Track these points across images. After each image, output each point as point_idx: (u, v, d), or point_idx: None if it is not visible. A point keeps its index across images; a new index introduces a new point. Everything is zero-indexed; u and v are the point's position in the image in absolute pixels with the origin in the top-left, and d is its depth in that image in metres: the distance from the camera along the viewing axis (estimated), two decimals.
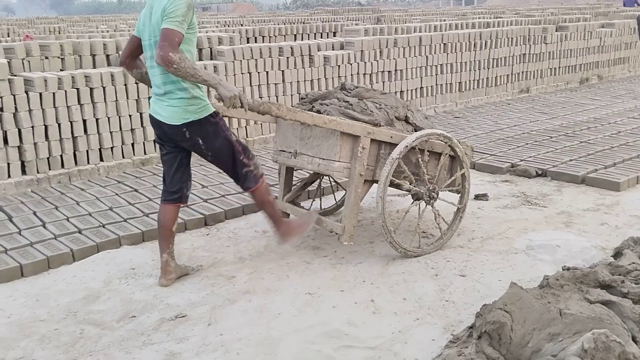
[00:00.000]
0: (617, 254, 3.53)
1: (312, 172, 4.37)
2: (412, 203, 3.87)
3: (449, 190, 4.03)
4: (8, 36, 13.07)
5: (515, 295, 2.79)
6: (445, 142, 3.86)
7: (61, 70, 6.05)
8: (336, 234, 3.81)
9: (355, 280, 3.54)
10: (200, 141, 3.36)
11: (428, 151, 3.83)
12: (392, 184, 3.75)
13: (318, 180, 4.60)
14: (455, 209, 4.03)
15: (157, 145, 3.71)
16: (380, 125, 3.73)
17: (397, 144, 3.70)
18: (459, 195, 4.05)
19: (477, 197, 4.82)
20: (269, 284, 3.53)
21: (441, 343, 2.83)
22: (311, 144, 3.80)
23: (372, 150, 3.72)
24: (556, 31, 10.52)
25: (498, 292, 3.18)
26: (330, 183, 4.80)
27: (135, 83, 5.96)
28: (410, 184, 3.81)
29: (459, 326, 2.97)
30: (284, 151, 4.03)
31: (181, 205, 3.63)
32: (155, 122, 3.42)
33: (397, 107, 3.99)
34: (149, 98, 6.00)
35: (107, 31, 12.28)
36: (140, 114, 6.03)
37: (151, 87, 3.45)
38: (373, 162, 3.74)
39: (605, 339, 2.48)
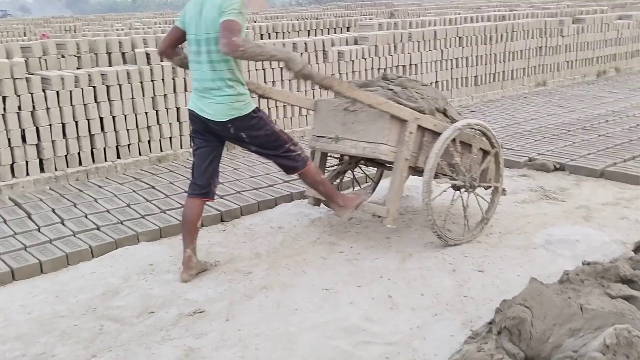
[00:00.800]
0: (638, 249, 3.49)
1: (349, 159, 4.41)
2: (454, 193, 3.94)
3: (482, 186, 4.08)
4: (25, 35, 13.20)
5: (535, 290, 2.77)
6: (484, 133, 3.95)
7: (78, 68, 6.09)
8: (379, 217, 3.85)
9: (372, 275, 3.53)
10: (244, 135, 3.47)
11: (462, 142, 3.89)
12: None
13: (351, 172, 4.64)
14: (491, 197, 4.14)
15: (190, 139, 3.82)
16: (425, 113, 3.80)
17: (440, 133, 3.77)
18: (492, 189, 4.16)
19: None
20: (285, 279, 3.53)
21: (460, 339, 2.81)
22: (355, 129, 3.83)
23: (417, 137, 3.77)
24: (573, 23, 10.40)
25: (517, 288, 3.14)
26: (365, 173, 4.88)
27: (151, 80, 5.98)
28: (452, 173, 3.88)
29: (478, 322, 2.95)
30: (323, 137, 4.04)
31: (207, 202, 3.69)
32: (197, 118, 3.49)
33: (437, 99, 4.03)
34: (165, 95, 6.07)
35: (122, 29, 12.35)
36: (157, 111, 6.06)
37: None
38: (417, 149, 3.79)
39: (627, 334, 2.44)
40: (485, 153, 4.08)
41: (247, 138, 3.48)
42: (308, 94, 7.00)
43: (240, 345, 2.88)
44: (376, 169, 4.75)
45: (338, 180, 4.53)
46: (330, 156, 4.58)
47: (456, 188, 3.97)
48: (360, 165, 4.66)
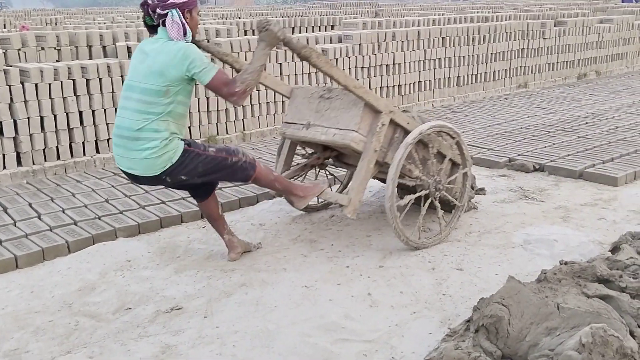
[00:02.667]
0: (615, 249, 3.52)
1: (317, 155, 4.32)
2: (417, 193, 3.85)
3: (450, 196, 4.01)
4: (4, 27, 12.99)
5: (513, 289, 2.78)
6: (453, 137, 3.91)
7: (57, 61, 6.00)
8: (340, 206, 3.75)
9: (352, 273, 3.52)
10: (184, 177, 3.35)
11: (427, 147, 3.83)
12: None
13: (318, 168, 4.54)
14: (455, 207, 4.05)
15: None
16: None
17: (411, 131, 3.74)
18: (460, 194, 4.07)
19: (475, 191, 4.80)
20: (265, 276, 3.51)
21: (438, 337, 2.82)
22: (328, 116, 3.76)
23: (389, 131, 3.72)
24: (554, 26, 10.50)
25: (495, 286, 3.17)
26: (327, 175, 4.77)
27: None
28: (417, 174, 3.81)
29: (456, 320, 2.96)
30: (294, 124, 3.94)
31: (215, 190, 3.72)
32: (128, 175, 3.39)
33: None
34: None
35: (104, 23, 12.21)
36: None
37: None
38: (386, 144, 3.74)
39: (603, 333, 2.47)
40: (455, 165, 4.04)
41: (188, 177, 3.35)
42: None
43: (218, 342, 2.86)
44: (346, 170, 4.62)
45: (300, 172, 4.37)
46: (298, 153, 4.44)
47: (421, 188, 3.84)
48: (328, 167, 4.57)
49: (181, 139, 3.34)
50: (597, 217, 4.31)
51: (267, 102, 6.95)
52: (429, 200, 3.85)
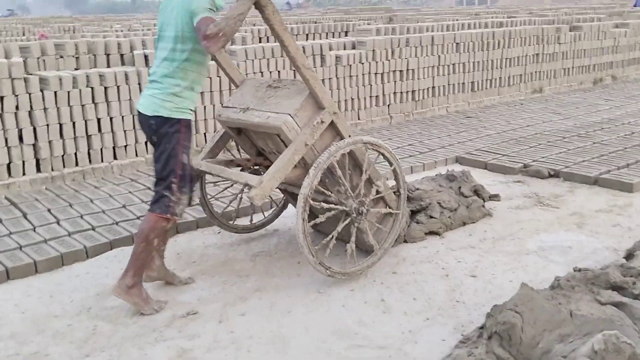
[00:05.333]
0: (629, 256, 3.52)
1: (250, 152, 4.00)
2: (342, 221, 3.46)
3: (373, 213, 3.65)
4: (23, 35, 13.21)
5: (526, 296, 2.79)
6: (378, 150, 3.58)
7: (76, 69, 6.11)
8: (248, 189, 3.37)
9: (366, 279, 3.55)
10: (155, 138, 3.24)
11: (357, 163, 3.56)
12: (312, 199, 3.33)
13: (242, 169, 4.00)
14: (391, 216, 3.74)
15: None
16: None
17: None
18: (396, 200, 3.77)
19: (490, 197, 4.81)
20: (279, 282, 3.55)
21: (451, 343, 2.83)
22: (269, 102, 3.52)
23: (327, 136, 3.47)
24: (570, 31, 10.45)
25: (509, 293, 3.17)
26: (270, 198, 4.38)
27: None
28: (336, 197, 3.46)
29: (470, 327, 2.98)
30: (233, 108, 3.71)
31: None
32: (139, 114, 3.32)
33: None
34: None
35: (122, 31, 12.37)
36: None
37: None
38: (320, 149, 3.44)
39: (615, 340, 2.47)
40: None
41: (157, 142, 3.24)
42: None
43: (233, 347, 2.90)
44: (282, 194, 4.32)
45: (220, 149, 4.02)
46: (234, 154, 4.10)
47: (345, 214, 3.48)
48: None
49: (191, 111, 3.28)
50: (612, 224, 4.30)
51: None
52: (355, 224, 3.47)
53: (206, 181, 4.10)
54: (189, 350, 2.88)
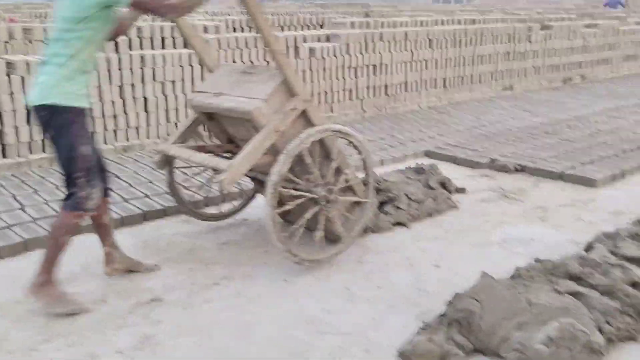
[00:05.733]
0: (589, 248, 3.60)
1: (222, 139, 3.93)
2: (311, 209, 3.45)
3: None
4: None
5: (486, 285, 2.85)
6: (347, 139, 3.59)
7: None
8: (216, 175, 3.37)
9: (332, 268, 3.58)
10: (50, 133, 3.01)
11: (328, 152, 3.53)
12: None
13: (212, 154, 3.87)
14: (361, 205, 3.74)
15: None
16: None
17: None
18: (365, 189, 3.75)
19: (456, 190, 4.88)
20: (246, 270, 3.56)
21: (413, 330, 2.87)
22: (243, 87, 3.48)
23: (298, 124, 3.44)
24: (541, 30, 10.61)
25: (471, 283, 3.22)
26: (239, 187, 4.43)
27: (119, 69, 5.93)
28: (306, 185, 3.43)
29: (431, 314, 3.02)
30: (206, 92, 3.65)
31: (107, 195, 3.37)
32: (29, 111, 3.09)
33: None
34: (132, 85, 6.02)
35: None
36: (123, 100, 6.01)
37: None
38: (291, 136, 3.38)
39: (571, 328, 2.55)
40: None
41: (51, 133, 3.00)
42: None
43: (198, 333, 2.90)
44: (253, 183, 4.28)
45: (190, 135, 3.93)
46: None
47: (314, 202, 3.45)
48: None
49: (84, 97, 3.04)
50: (575, 218, 4.40)
51: None
52: (315, 210, 3.45)
53: (175, 167, 4.07)
54: (152, 337, 2.87)
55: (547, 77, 10.83)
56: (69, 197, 3.09)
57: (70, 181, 3.06)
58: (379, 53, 8.09)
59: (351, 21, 8.95)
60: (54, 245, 3.09)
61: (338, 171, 3.59)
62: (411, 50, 8.48)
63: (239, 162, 3.24)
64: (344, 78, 7.75)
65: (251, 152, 3.28)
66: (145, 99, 6.16)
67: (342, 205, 3.69)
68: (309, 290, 3.32)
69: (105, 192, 3.33)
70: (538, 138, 6.59)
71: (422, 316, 3.02)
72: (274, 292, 3.30)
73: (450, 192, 4.65)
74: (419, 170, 4.75)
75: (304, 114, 3.46)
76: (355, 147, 3.68)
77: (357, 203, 3.78)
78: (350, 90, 7.87)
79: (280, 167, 3.25)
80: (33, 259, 3.67)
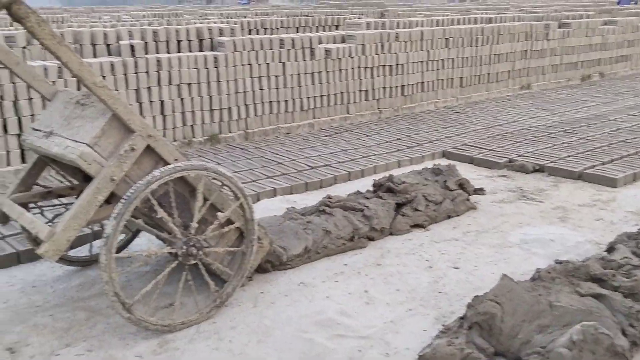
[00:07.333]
0: (610, 249, 3.55)
1: (69, 174, 3.46)
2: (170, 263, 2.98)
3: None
4: (11, 25, 13.07)
5: (506, 287, 2.82)
6: (218, 180, 3.02)
7: None
8: (38, 242, 2.86)
9: (350, 271, 3.56)
10: None
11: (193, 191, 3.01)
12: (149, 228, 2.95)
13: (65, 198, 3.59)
14: (241, 253, 3.19)
15: None
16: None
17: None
18: (244, 236, 3.20)
19: (474, 191, 4.83)
20: (264, 274, 3.55)
21: (432, 333, 2.85)
22: (73, 125, 2.94)
23: (146, 162, 2.92)
24: (558, 28, 10.50)
25: (491, 285, 3.18)
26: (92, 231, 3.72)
27: (135, 73, 5.97)
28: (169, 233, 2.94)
29: (451, 317, 3.00)
30: (39, 131, 3.13)
31: None
32: None
33: None
34: (149, 88, 6.06)
35: (110, 22, 12.28)
36: (140, 103, 6.05)
37: None
38: (137, 179, 2.89)
39: (594, 331, 2.50)
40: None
41: None
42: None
43: (215, 337, 2.90)
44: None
45: (32, 181, 3.40)
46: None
47: (174, 255, 3.00)
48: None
49: None
50: (595, 218, 4.33)
51: (270, 102, 6.99)
52: (185, 271, 2.98)
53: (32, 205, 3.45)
54: (171, 341, 2.88)
55: (565, 75, 10.71)
56: None
57: None
58: (395, 53, 8.05)
59: (367, 21, 8.92)
60: None
61: (211, 214, 3.04)
62: (427, 50, 8.43)
63: (63, 229, 2.69)
64: (359, 79, 7.73)
65: (80, 212, 2.74)
66: (161, 102, 6.20)
67: (224, 244, 3.20)
68: (327, 293, 3.30)
69: None
70: (557, 137, 6.51)
71: (442, 319, 2.99)
72: (292, 295, 3.29)
73: (468, 193, 4.61)
74: (436, 171, 4.72)
75: (150, 151, 2.92)
76: (230, 189, 3.04)
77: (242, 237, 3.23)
78: (367, 91, 7.84)
79: (113, 229, 2.69)
80: (52, 264, 3.71)
